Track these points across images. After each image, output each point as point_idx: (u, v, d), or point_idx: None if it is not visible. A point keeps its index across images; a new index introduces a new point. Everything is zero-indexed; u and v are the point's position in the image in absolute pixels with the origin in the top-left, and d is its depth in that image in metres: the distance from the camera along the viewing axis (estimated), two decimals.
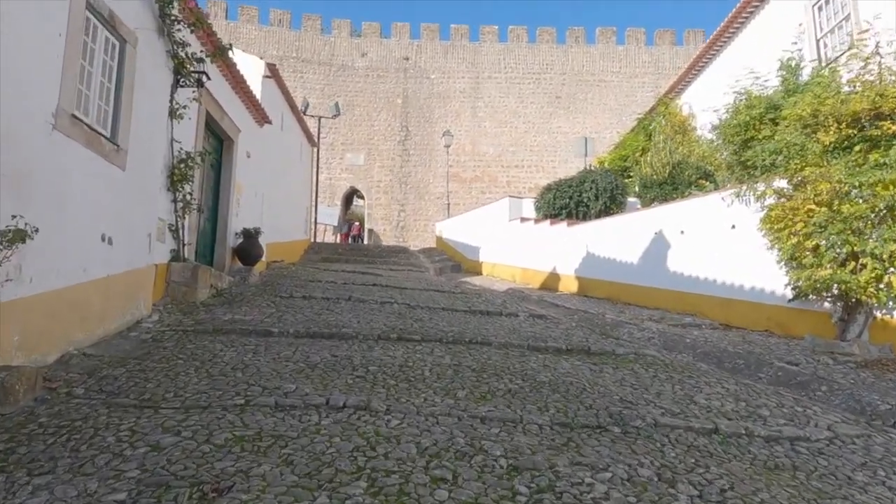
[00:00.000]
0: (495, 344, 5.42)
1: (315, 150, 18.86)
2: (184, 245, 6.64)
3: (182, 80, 6.30)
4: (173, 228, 6.42)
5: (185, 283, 6.36)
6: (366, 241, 28.17)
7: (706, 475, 2.77)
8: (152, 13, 5.48)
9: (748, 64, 9.50)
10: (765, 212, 7.05)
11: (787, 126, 7.52)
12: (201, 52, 6.44)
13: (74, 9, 4.07)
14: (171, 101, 6.19)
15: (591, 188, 12.55)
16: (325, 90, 28.39)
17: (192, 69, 6.31)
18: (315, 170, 19.60)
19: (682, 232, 8.91)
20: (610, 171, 13.51)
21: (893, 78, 6.49)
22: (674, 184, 10.81)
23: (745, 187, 7.59)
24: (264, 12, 29.20)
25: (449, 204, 24.83)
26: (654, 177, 11.24)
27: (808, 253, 6.39)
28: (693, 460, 2.98)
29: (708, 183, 9.97)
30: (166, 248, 6.32)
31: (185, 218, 6.64)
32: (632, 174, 14.17)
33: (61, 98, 3.94)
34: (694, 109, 13.48)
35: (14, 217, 3.31)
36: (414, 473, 2.48)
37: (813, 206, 6.38)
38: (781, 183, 7.07)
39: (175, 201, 6.43)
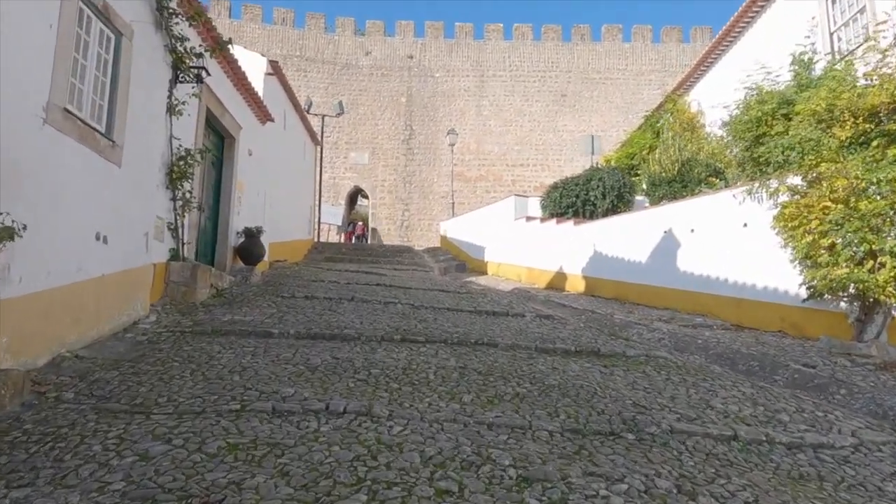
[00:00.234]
0: (502, 345, 5.26)
1: (319, 148, 18.73)
2: (183, 244, 6.51)
3: (181, 75, 6.17)
4: (172, 227, 6.28)
5: (185, 283, 6.22)
6: (370, 241, 28.03)
7: (728, 486, 2.61)
8: (149, 6, 5.35)
9: (758, 59, 9.30)
10: (778, 209, 6.87)
11: (800, 121, 7.33)
12: (200, 46, 6.30)
13: None
14: (169, 97, 6.05)
15: (598, 186, 12.37)
16: (328, 89, 28.27)
17: (191, 64, 6.18)
18: (319, 169, 19.48)
19: (692, 230, 8.72)
20: (617, 169, 13.31)
21: None
22: (683, 181, 10.60)
23: (757, 184, 7.40)
24: (268, 11, 29.29)
25: (454, 203, 24.67)
26: (663, 174, 11.03)
27: (823, 251, 6.20)
28: (713, 470, 2.82)
29: (718, 180, 9.76)
30: (165, 247, 6.18)
31: (184, 216, 6.51)
32: (639, 172, 13.96)
33: (52, 91, 3.81)
34: (702, 106, 13.27)
35: (0, 214, 3.17)
36: (417, 486, 2.33)
37: (829, 203, 6.19)
38: (795, 180, 6.89)
39: (174, 199, 6.29)
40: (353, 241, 29.48)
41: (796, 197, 6.71)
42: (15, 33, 3.40)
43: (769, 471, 2.92)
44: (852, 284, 5.86)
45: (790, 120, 7.81)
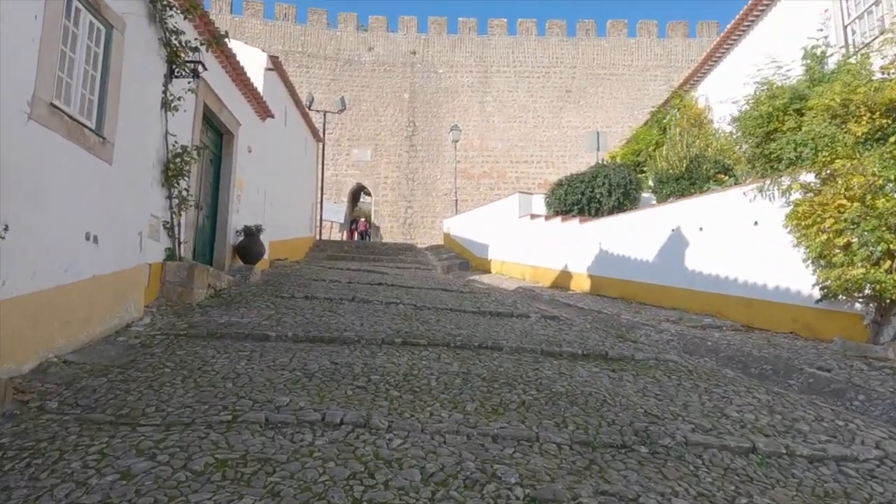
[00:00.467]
0: (506, 349, 5.09)
1: (320, 145, 18.55)
2: (180, 243, 6.36)
3: (176, 70, 6.00)
4: (168, 226, 6.13)
5: (181, 284, 6.07)
6: (373, 239, 27.86)
7: None
8: None
9: (769, 54, 9.07)
10: (791, 207, 6.68)
11: (814, 117, 7.12)
12: (196, 40, 6.13)
13: None
14: (164, 93, 5.89)
15: (603, 183, 12.17)
16: (330, 85, 28.08)
17: (186, 58, 6.01)
18: (320, 166, 19.31)
19: (700, 228, 8.52)
20: (623, 166, 13.10)
21: None
22: (691, 178, 10.39)
23: (768, 182, 7.20)
24: (269, 6, 29.10)
25: (457, 200, 24.48)
26: (671, 171, 10.81)
27: (838, 251, 6.03)
28: (733, 487, 2.65)
29: (727, 177, 9.55)
30: (161, 246, 6.03)
31: (181, 215, 6.35)
32: (645, 169, 13.76)
33: (38, 85, 3.65)
34: (710, 102, 13.04)
35: None
36: None
37: (844, 201, 6.01)
38: (808, 177, 6.70)
39: (170, 197, 6.14)
40: (356, 238, 29.32)
41: (809, 195, 6.52)
42: None
43: (792, 487, 2.74)
44: (868, 285, 5.68)
45: (802, 115, 7.60)
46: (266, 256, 10.05)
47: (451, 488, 2.36)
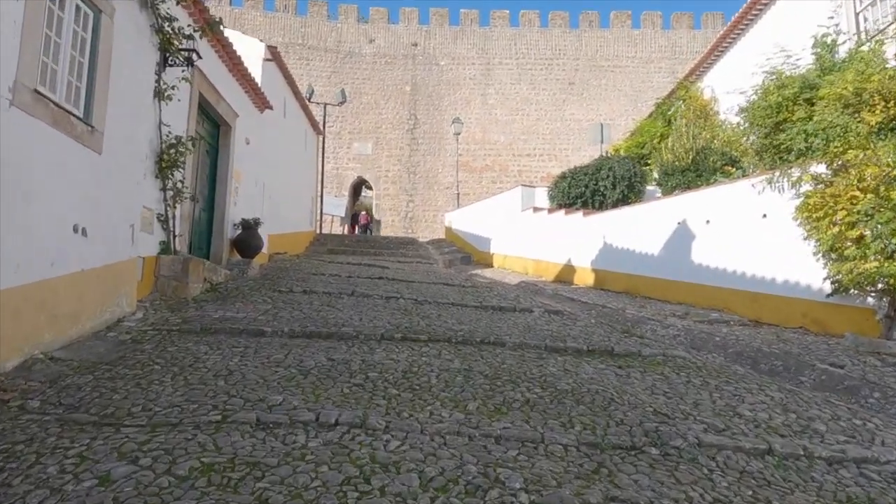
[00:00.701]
0: (509, 344, 4.94)
1: (321, 138, 18.36)
2: (175, 236, 6.21)
3: (170, 58, 5.84)
4: (163, 218, 5.98)
5: (176, 278, 5.93)
6: (373, 233, 27.68)
7: None
8: None
9: (777, 43, 8.86)
10: (801, 199, 6.51)
11: (825, 106, 6.93)
12: (190, 26, 5.95)
13: None
14: (157, 81, 5.73)
15: (607, 176, 11.97)
16: (331, 78, 27.84)
17: (180, 46, 5.84)
18: (321, 159, 19.13)
19: (707, 221, 8.34)
20: (628, 158, 12.90)
21: None
22: (697, 171, 10.19)
23: (778, 173, 7.02)
24: None
25: (458, 194, 24.29)
26: (676, 163, 10.61)
27: (850, 244, 5.87)
28: (750, 492, 2.50)
29: (734, 169, 9.36)
30: (155, 239, 5.88)
31: (175, 207, 6.20)
32: (649, 161, 13.55)
33: (20, 70, 3.48)
34: (716, 93, 12.82)
35: None
36: None
37: (857, 193, 5.84)
38: (819, 168, 6.52)
39: (164, 189, 5.99)
40: (357, 231, 29.15)
41: (821, 186, 6.35)
42: None
43: (812, 492, 2.59)
44: (882, 279, 5.52)
45: (813, 105, 7.42)
46: (265, 250, 9.91)
47: (452, 494, 2.22)
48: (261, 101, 9.64)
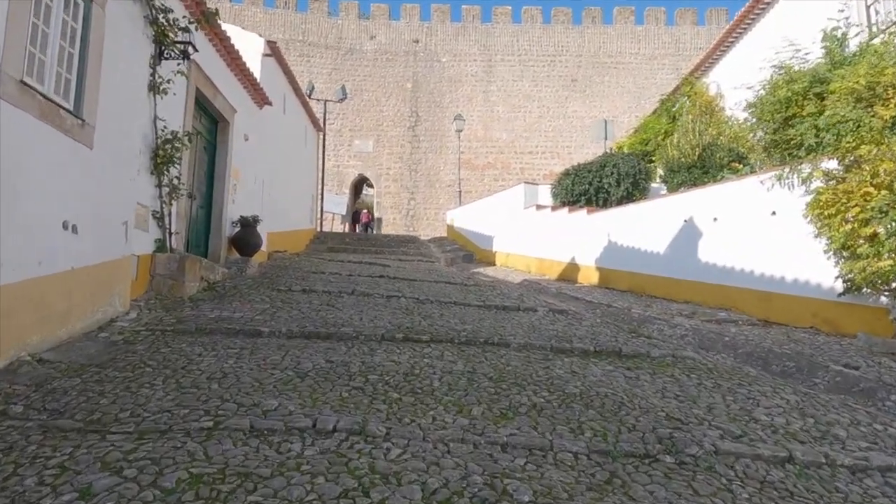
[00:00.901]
0: (514, 345, 4.79)
1: (321, 135, 18.21)
2: (171, 234, 6.07)
3: (165, 50, 5.69)
4: (158, 216, 5.84)
5: (172, 276, 5.79)
6: (375, 231, 27.52)
7: None
8: None
9: (785, 37, 8.67)
10: (812, 196, 6.35)
11: (837, 100, 6.76)
12: (185, 18, 5.80)
13: None
14: (153, 75, 5.58)
15: (612, 173, 11.80)
16: (332, 75, 27.66)
17: (175, 39, 5.69)
18: (321, 156, 18.97)
19: (714, 219, 8.18)
20: (632, 155, 12.73)
21: None
22: (704, 167, 10.02)
23: (787, 169, 6.86)
24: None
25: (460, 192, 24.12)
26: (682, 160, 10.44)
27: (863, 241, 5.72)
28: None
29: (742, 166, 9.19)
30: (150, 237, 5.74)
31: (172, 204, 6.06)
32: (654, 159, 13.38)
33: (5, 60, 3.34)
34: (722, 89, 12.63)
35: None
36: None
37: (870, 189, 5.68)
38: (831, 164, 6.36)
39: (160, 185, 5.84)
40: (358, 229, 28.99)
41: (832, 182, 6.19)
42: None
43: (837, 503, 2.45)
44: None
45: (824, 100, 7.23)
46: (264, 248, 9.77)
47: None
48: (260, 96, 9.49)
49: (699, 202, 8.57)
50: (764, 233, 7.28)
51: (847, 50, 8.02)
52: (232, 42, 7.65)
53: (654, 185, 12.49)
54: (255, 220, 8.68)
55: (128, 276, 5.03)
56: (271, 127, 10.75)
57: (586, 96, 27.69)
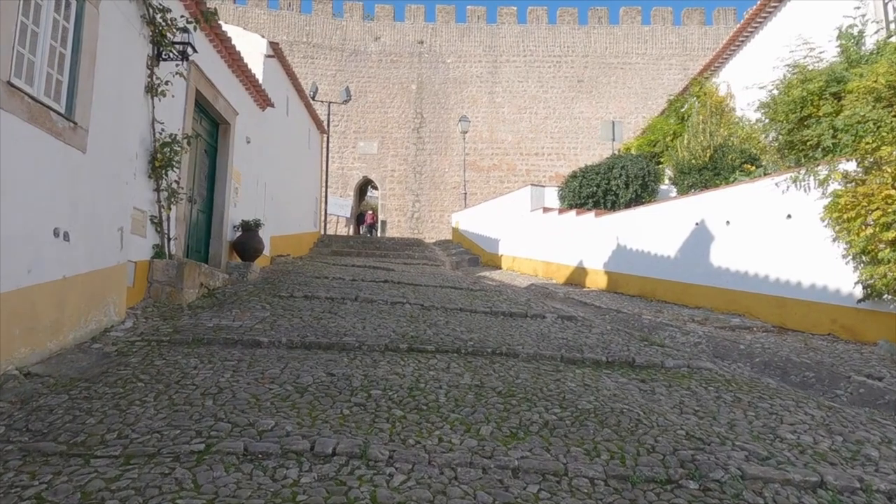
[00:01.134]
0: (523, 356, 4.61)
1: (325, 137, 18.07)
2: (169, 239, 5.92)
3: (164, 51, 5.54)
4: (156, 221, 5.69)
5: (170, 283, 5.63)
6: (378, 234, 27.36)
7: None
8: None
9: (799, 35, 8.47)
10: (830, 199, 6.15)
11: (855, 100, 6.55)
12: (183, 17, 5.66)
13: None
14: (150, 76, 5.44)
15: (620, 175, 11.59)
16: (336, 76, 27.53)
17: (174, 39, 5.54)
18: (325, 159, 18.83)
19: (727, 222, 7.97)
20: (641, 156, 12.51)
21: None
22: (715, 169, 9.80)
23: (804, 171, 6.66)
24: None
25: (466, 194, 23.93)
26: (693, 161, 10.22)
27: (884, 246, 5.54)
28: None
29: (755, 168, 8.98)
30: (148, 243, 5.59)
31: (170, 209, 5.91)
32: (662, 160, 13.16)
33: None
34: (732, 89, 12.42)
35: None
36: None
37: (892, 192, 5.49)
38: (849, 165, 6.16)
39: (158, 190, 5.69)
40: (363, 231, 28.85)
41: (851, 185, 5.99)
42: None
43: None
44: None
45: (840, 100, 7.03)
46: (267, 252, 9.62)
47: None
48: (262, 98, 9.35)
49: (711, 205, 8.36)
50: (779, 236, 7.07)
51: (864, 48, 7.81)
52: (233, 43, 7.50)
53: (662, 187, 12.27)
54: (257, 224, 8.53)
55: (123, 284, 4.88)
56: (274, 129, 10.61)
57: (593, 97, 27.44)
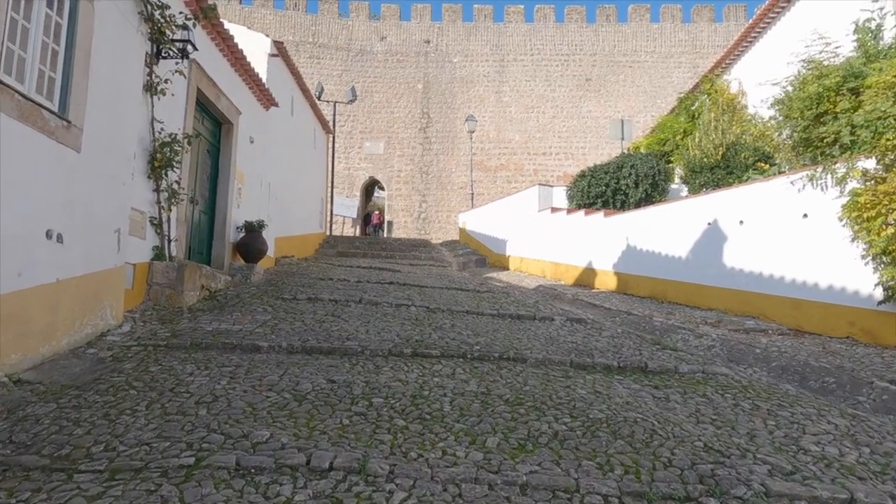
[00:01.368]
0: (531, 361, 4.45)
1: (331, 137, 17.97)
2: (170, 241, 5.81)
3: (163, 49, 5.43)
4: (156, 222, 5.58)
5: (170, 285, 5.52)
6: (384, 234, 27.25)
7: None
8: None
9: (815, 30, 8.25)
10: (849, 198, 5.95)
11: (874, 95, 6.34)
12: (182, 14, 5.54)
13: None
14: (149, 74, 5.32)
15: (630, 174, 11.39)
16: (342, 76, 27.45)
17: (173, 37, 5.43)
18: (331, 159, 18.73)
19: (740, 222, 7.77)
20: (651, 155, 12.30)
21: None
22: (728, 167, 9.58)
23: (821, 169, 6.46)
24: None
25: (473, 194, 23.77)
26: (705, 160, 10.01)
27: None
28: None
29: (768, 166, 8.76)
30: (147, 244, 5.48)
31: (171, 210, 5.80)
32: (672, 159, 12.94)
33: None
34: (744, 86, 12.18)
35: None
36: None
37: None
38: (868, 163, 5.96)
39: (158, 190, 5.58)
40: (369, 231, 28.77)
41: (871, 183, 5.80)
42: None
43: None
44: None
45: (858, 95, 6.82)
46: (271, 254, 9.52)
47: None
48: (266, 98, 9.24)
49: (724, 204, 8.16)
50: (794, 236, 6.87)
51: (882, 42, 7.59)
52: (235, 41, 7.38)
53: (673, 186, 12.06)
54: (261, 225, 8.42)
55: (120, 287, 4.77)
56: (278, 129, 10.50)
57: (601, 96, 27.18)
